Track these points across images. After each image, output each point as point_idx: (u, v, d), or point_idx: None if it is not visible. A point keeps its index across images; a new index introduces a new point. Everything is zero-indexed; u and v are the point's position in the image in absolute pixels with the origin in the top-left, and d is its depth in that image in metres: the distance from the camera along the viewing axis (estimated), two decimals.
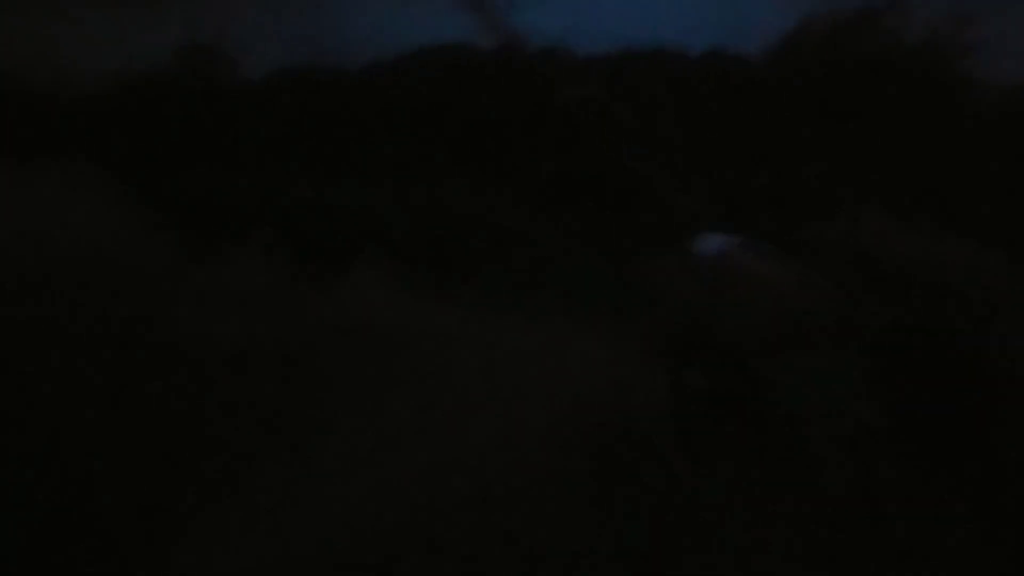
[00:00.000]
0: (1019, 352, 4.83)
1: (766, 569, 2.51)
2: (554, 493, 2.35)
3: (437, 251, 10.21)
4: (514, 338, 5.13)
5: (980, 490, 2.78)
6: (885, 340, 3.86)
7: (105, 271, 7.21)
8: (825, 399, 3.43)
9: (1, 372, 4.16)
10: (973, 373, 4.40)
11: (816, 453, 3.31)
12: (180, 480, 2.90)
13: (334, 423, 3.49)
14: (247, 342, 5.26)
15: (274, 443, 3.24)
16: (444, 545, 2.36)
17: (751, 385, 3.02)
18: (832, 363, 3.92)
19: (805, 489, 2.97)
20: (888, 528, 2.42)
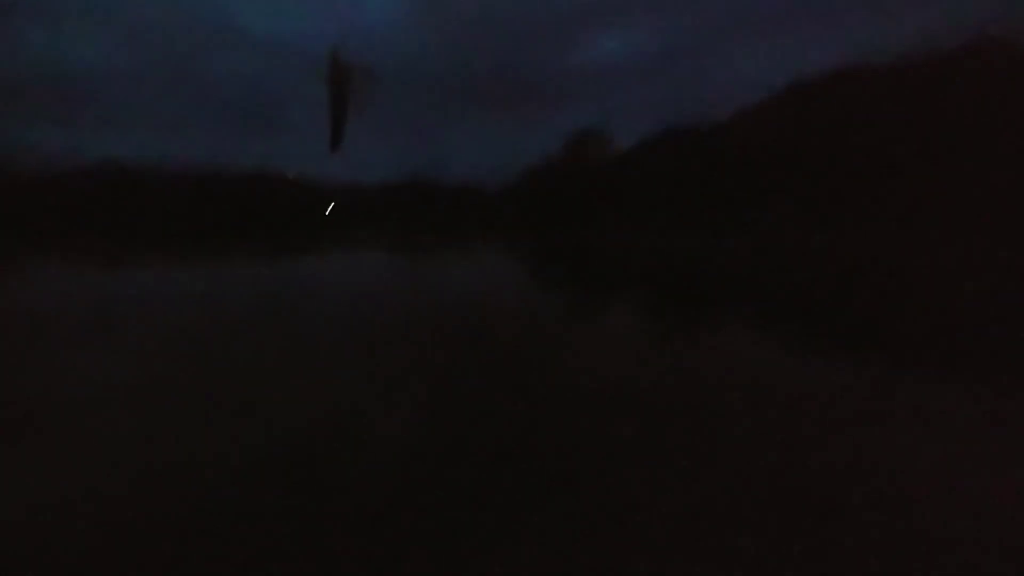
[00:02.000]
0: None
1: None
2: None
3: (818, 304, 11.66)
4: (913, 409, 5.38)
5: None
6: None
7: (516, 324, 9.48)
8: None
9: (442, 402, 5.53)
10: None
11: None
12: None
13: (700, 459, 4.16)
14: (622, 384, 6.11)
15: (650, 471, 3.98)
16: None
17: None
18: None
19: None
20: None
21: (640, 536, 3.11)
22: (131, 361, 6.92)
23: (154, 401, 5.48)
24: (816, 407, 5.29)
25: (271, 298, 12.68)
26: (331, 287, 15.17)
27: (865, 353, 7.68)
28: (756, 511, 3.35)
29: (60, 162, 51.38)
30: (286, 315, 10.38)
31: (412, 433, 4.74)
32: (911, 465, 3.99)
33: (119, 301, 11.48)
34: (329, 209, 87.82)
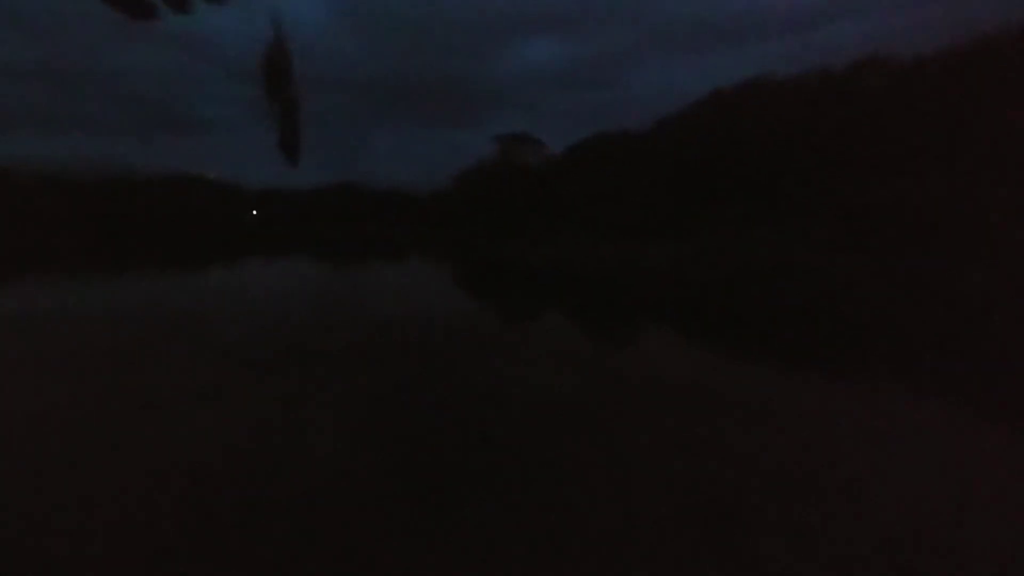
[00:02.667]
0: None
1: None
2: None
3: (734, 306, 12.57)
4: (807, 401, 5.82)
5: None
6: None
7: (446, 334, 9.27)
8: None
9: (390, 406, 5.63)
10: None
11: None
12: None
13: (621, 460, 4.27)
14: (551, 392, 6.12)
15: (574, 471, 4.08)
16: None
17: None
18: None
19: None
20: None
21: (575, 542, 3.19)
22: (41, 380, 6.32)
23: (67, 422, 5.06)
24: (741, 410, 5.47)
25: (192, 308, 11.96)
26: (255, 295, 14.55)
27: (790, 356, 8.04)
28: (683, 517, 3.47)
29: None
30: (209, 326, 9.79)
31: (343, 447, 4.58)
32: (827, 471, 4.13)
33: (20, 319, 10.28)
34: (253, 213, 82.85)
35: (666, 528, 3.28)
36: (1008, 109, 17.79)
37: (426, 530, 3.26)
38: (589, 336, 9.84)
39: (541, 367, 7.11)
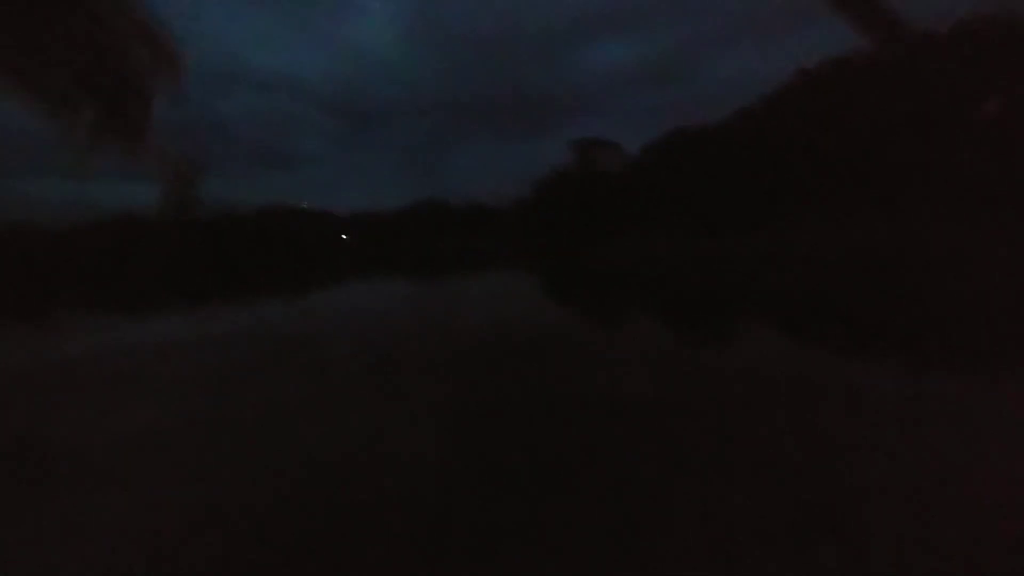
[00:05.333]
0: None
1: None
2: None
3: (832, 298, 12.46)
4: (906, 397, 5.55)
5: None
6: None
7: (536, 342, 9.61)
8: None
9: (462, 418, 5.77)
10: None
11: None
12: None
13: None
14: (646, 396, 6.08)
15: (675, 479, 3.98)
16: None
17: None
18: None
19: None
20: None
21: (665, 548, 3.14)
22: (157, 407, 6.92)
23: (183, 446, 5.50)
24: (842, 410, 5.22)
25: (291, 332, 12.71)
26: (349, 316, 15.24)
27: (888, 351, 7.57)
28: (779, 519, 3.34)
29: (70, 212, 52.79)
30: (308, 349, 10.39)
31: (440, 458, 4.72)
32: (935, 466, 3.94)
33: (142, 348, 11.53)
34: (343, 237, 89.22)
35: (772, 529, 3.20)
36: None
37: (515, 535, 3.33)
38: (681, 337, 9.71)
39: (634, 371, 7.07)
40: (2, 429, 6.40)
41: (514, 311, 13.62)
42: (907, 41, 25.83)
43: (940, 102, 23.06)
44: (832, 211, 24.45)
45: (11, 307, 24.24)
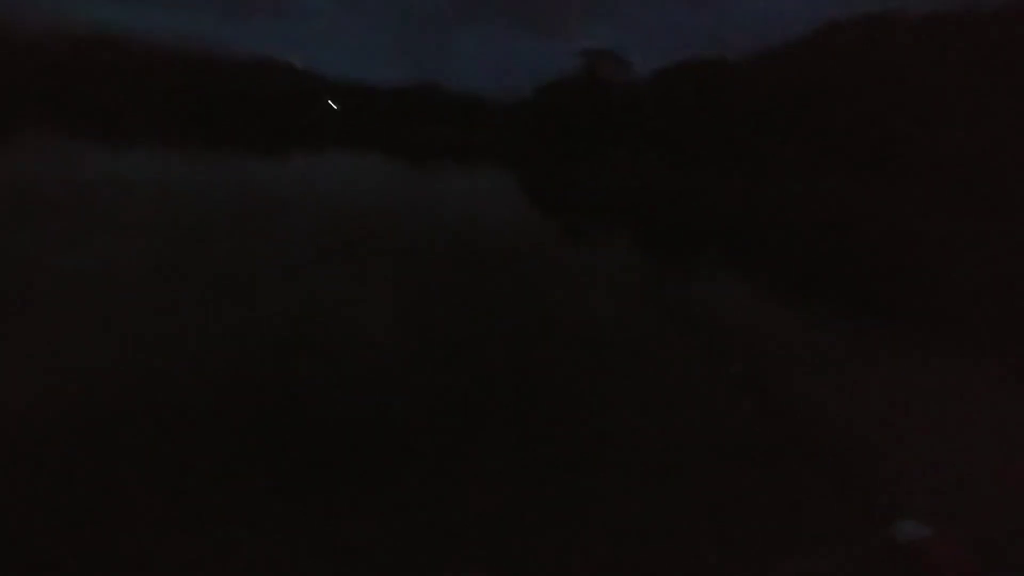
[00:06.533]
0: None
1: None
2: None
3: (809, 255, 11.59)
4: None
5: None
6: None
7: (508, 247, 9.11)
8: None
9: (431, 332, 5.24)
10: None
11: None
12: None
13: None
14: (602, 318, 6.07)
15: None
16: None
17: None
18: None
19: None
20: None
21: (616, 470, 3.10)
22: (123, 242, 6.90)
23: (143, 282, 5.53)
24: (800, 355, 5.31)
25: (265, 193, 12.52)
26: (327, 187, 15.10)
27: (855, 310, 7.69)
28: (735, 452, 3.35)
29: (50, 24, 47.64)
30: (280, 214, 10.31)
31: (389, 338, 4.76)
32: (889, 424, 3.92)
33: (110, 181, 11.25)
34: (332, 106, 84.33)
35: (704, 469, 3.17)
36: None
37: (457, 429, 3.39)
38: (652, 267, 9.70)
39: (597, 292, 7.17)
40: None
41: (494, 212, 13.55)
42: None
43: (969, 74, 22.67)
44: (831, 170, 24.55)
45: None
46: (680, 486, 2.96)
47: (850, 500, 2.94)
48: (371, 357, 4.42)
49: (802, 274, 10.37)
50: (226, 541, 2.21)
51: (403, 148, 40.19)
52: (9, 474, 2.55)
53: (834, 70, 28.16)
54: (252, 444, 3.02)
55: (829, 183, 22.82)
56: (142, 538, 2.16)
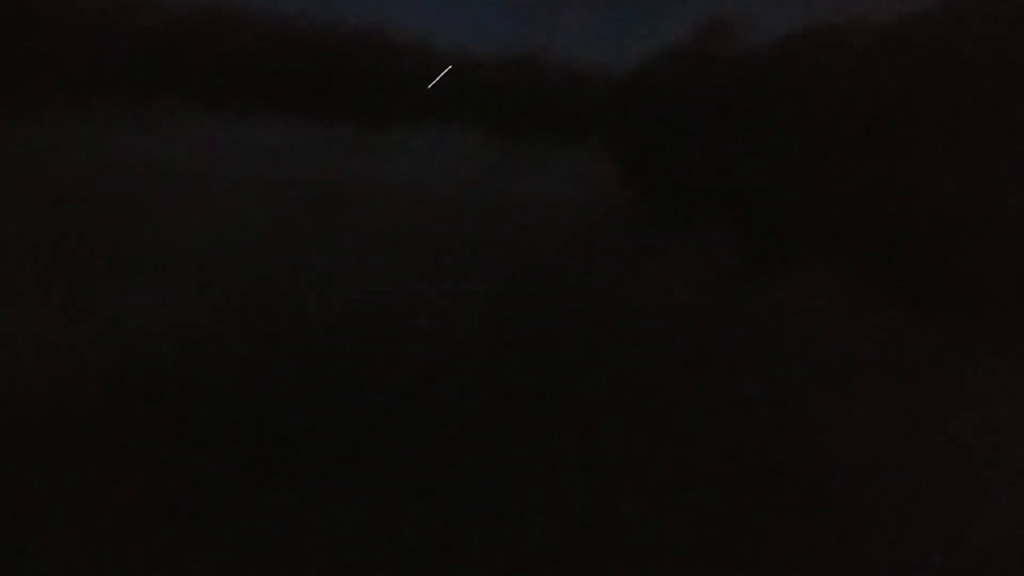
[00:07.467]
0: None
1: None
2: None
3: (899, 251, 10.73)
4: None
5: None
6: None
7: (600, 231, 8.65)
8: None
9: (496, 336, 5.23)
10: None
11: None
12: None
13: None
14: (685, 318, 5.85)
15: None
16: None
17: None
18: None
19: None
20: None
21: (680, 474, 2.93)
22: (219, 212, 7.42)
23: (228, 254, 5.70)
24: (882, 365, 4.75)
25: (357, 163, 13.39)
26: (418, 160, 15.77)
27: (966, 319, 6.82)
28: (803, 462, 3.09)
29: (169, 7, 53.23)
30: (367, 184, 10.91)
31: (456, 331, 4.60)
32: (973, 437, 3.57)
33: (221, 150, 12.62)
34: (437, 77, 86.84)
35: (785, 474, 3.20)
36: None
37: (522, 432, 3.55)
38: (739, 260, 9.31)
39: (684, 285, 7.01)
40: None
41: (585, 192, 13.41)
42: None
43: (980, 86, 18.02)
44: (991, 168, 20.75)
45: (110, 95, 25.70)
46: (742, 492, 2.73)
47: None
48: (438, 344, 4.40)
49: (917, 280, 9.32)
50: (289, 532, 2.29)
51: (502, 122, 40.64)
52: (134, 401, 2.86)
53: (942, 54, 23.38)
54: (321, 426, 3.17)
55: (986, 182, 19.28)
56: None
